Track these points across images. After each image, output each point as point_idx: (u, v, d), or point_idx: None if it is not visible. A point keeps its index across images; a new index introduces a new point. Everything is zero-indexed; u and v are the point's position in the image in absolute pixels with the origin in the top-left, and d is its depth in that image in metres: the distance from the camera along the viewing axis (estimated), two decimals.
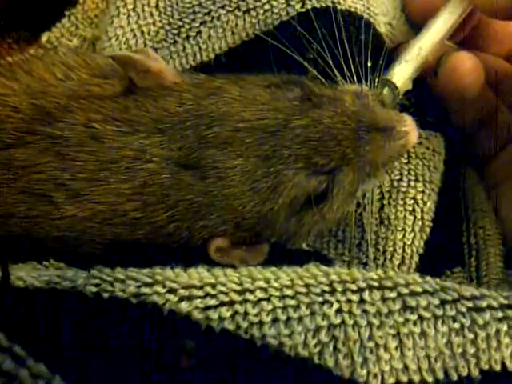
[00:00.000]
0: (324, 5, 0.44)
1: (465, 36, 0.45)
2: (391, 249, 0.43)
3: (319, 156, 0.35)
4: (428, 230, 0.44)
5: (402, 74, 0.42)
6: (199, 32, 0.47)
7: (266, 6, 0.45)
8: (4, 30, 0.48)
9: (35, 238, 0.35)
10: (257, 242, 0.37)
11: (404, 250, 0.43)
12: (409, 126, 0.37)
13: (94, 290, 0.27)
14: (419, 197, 0.44)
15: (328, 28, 0.43)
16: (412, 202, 0.44)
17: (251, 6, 0.45)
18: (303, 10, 0.44)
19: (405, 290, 0.28)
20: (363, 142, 0.36)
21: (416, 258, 0.43)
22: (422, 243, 0.44)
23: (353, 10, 0.45)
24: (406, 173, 0.45)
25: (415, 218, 0.44)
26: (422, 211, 0.44)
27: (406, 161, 0.45)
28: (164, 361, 0.25)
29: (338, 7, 0.44)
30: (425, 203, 0.44)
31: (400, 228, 0.43)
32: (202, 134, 0.35)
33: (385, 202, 0.44)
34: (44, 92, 0.37)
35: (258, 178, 0.35)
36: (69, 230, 0.35)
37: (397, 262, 0.43)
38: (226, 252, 0.36)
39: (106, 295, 0.27)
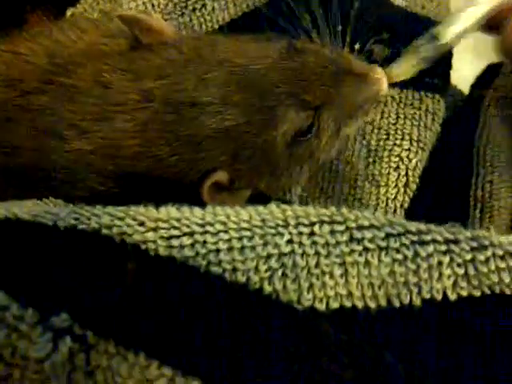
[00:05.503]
0: None
1: None
2: (374, 203, 0.45)
3: (307, 94, 0.39)
4: (414, 186, 0.46)
5: (453, 30, 0.44)
6: (204, 5, 0.51)
7: None
8: (33, 6, 0.52)
9: (44, 169, 0.39)
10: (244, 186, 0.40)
11: (387, 204, 0.45)
12: (379, 74, 0.40)
13: (73, 222, 0.31)
14: (404, 154, 0.46)
15: None
16: (397, 159, 0.46)
17: None
18: None
19: (353, 224, 0.30)
20: (342, 83, 0.40)
21: (400, 213, 0.45)
22: (406, 198, 0.45)
23: None
24: (392, 132, 0.47)
25: (399, 174, 0.46)
26: (406, 168, 0.46)
27: (394, 121, 0.47)
28: (110, 279, 0.28)
29: None
30: (410, 160, 0.46)
31: (383, 183, 0.45)
32: (201, 77, 0.38)
33: (371, 159, 0.46)
34: (60, 51, 0.42)
35: (253, 112, 0.38)
36: (75, 161, 0.39)
37: None
38: (220, 191, 0.39)
39: (81, 227, 0.30)
